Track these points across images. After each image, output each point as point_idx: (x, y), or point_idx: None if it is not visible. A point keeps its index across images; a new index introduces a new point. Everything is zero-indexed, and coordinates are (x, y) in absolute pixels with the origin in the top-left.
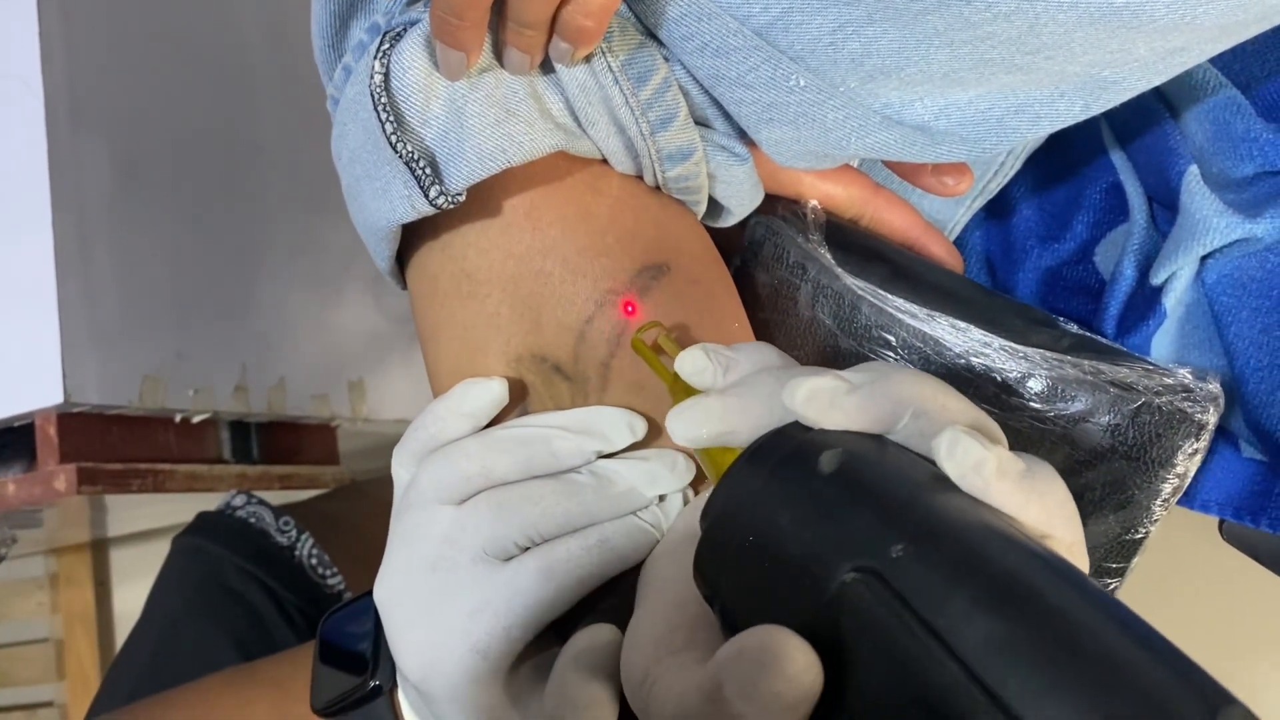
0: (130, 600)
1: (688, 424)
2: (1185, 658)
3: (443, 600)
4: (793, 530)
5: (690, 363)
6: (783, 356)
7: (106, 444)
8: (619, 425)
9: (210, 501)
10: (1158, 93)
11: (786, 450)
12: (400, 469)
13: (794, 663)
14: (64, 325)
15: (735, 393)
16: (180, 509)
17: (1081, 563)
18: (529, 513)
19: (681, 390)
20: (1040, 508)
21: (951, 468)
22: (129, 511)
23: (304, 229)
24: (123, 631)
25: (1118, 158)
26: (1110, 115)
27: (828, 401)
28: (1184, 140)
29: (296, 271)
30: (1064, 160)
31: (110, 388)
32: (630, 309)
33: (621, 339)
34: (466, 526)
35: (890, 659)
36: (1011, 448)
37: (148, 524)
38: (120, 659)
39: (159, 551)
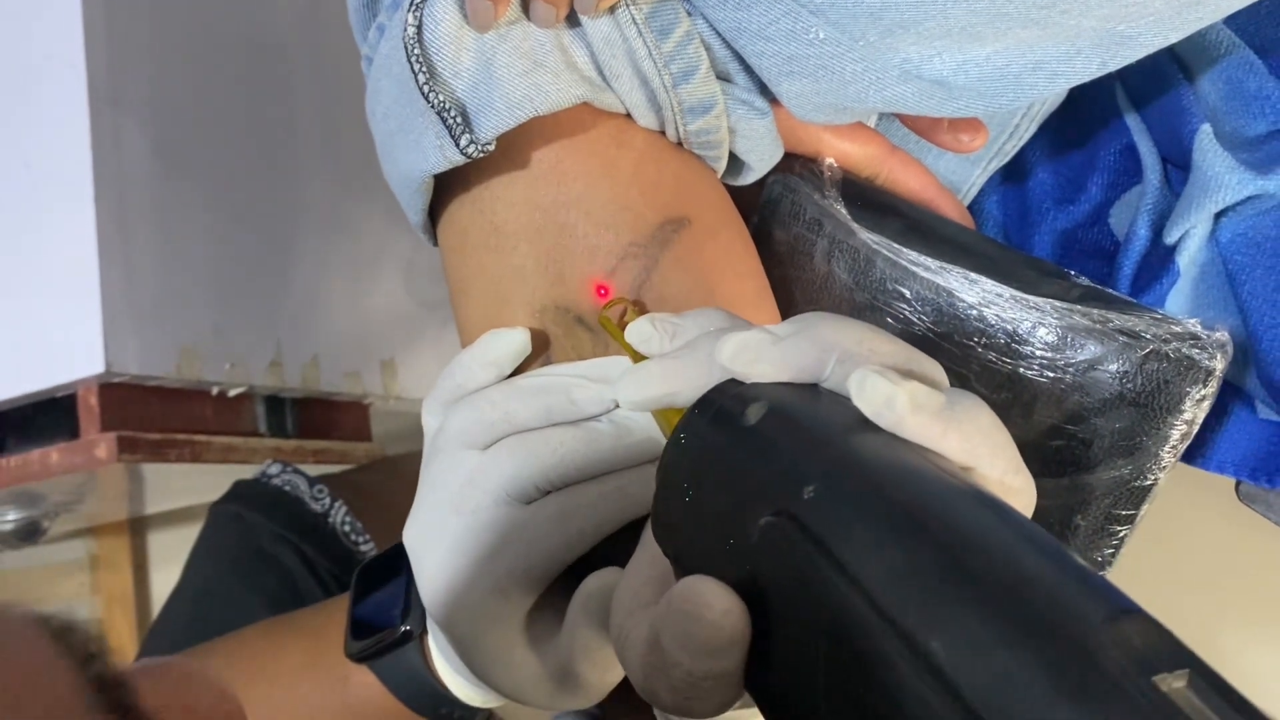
0: (168, 583)
1: (629, 389)
2: (1089, 571)
3: (466, 541)
4: (721, 482)
5: (637, 332)
6: (731, 319)
7: (146, 414)
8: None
9: (246, 473)
10: (1171, 53)
11: (717, 406)
12: (429, 417)
13: (712, 609)
14: (105, 298)
15: (675, 355)
16: (217, 484)
17: (1016, 490)
18: (549, 458)
19: (641, 357)
20: (960, 437)
21: (864, 405)
22: (165, 485)
23: (339, 209)
24: None
25: (1131, 119)
26: (1124, 76)
27: (753, 355)
28: (1197, 100)
29: (331, 251)
30: (1078, 123)
31: (149, 359)
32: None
33: (643, 289)
34: (489, 470)
35: (804, 597)
36: (1021, 396)
37: (185, 500)
38: (157, 625)
39: (195, 536)
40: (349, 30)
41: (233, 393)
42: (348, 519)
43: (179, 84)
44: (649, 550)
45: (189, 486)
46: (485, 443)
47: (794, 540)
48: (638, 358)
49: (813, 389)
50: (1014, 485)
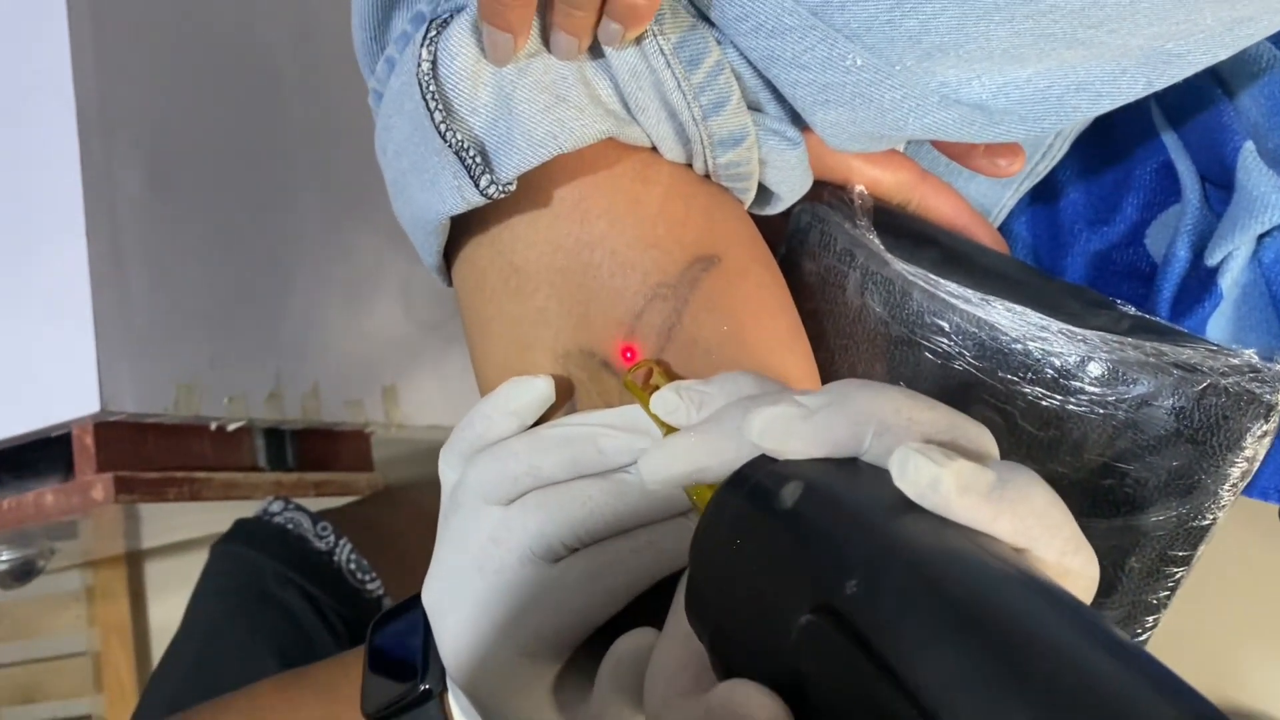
0: (166, 613)
1: (655, 467)
2: (1160, 669)
3: (490, 602)
4: (758, 571)
5: (663, 404)
6: (760, 383)
7: (143, 453)
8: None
9: (246, 509)
10: (1210, 69)
11: (750, 485)
12: (447, 470)
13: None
14: (99, 335)
15: (702, 429)
16: (214, 519)
17: (1075, 573)
18: (577, 513)
19: (669, 428)
20: (1013, 518)
21: (907, 488)
22: (163, 522)
23: (334, 235)
24: (159, 644)
25: (1168, 137)
26: (1159, 93)
27: (784, 431)
28: (1238, 117)
29: (327, 278)
30: (1112, 141)
31: (146, 396)
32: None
33: (673, 333)
34: (514, 528)
35: (850, 700)
36: (1069, 434)
37: (182, 535)
38: (161, 668)
39: (194, 563)
40: (341, 55)
41: (232, 427)
42: (353, 556)
43: (170, 113)
44: (683, 625)
45: (185, 523)
46: (509, 497)
47: (837, 641)
48: (665, 426)
49: (851, 464)
50: (1072, 567)
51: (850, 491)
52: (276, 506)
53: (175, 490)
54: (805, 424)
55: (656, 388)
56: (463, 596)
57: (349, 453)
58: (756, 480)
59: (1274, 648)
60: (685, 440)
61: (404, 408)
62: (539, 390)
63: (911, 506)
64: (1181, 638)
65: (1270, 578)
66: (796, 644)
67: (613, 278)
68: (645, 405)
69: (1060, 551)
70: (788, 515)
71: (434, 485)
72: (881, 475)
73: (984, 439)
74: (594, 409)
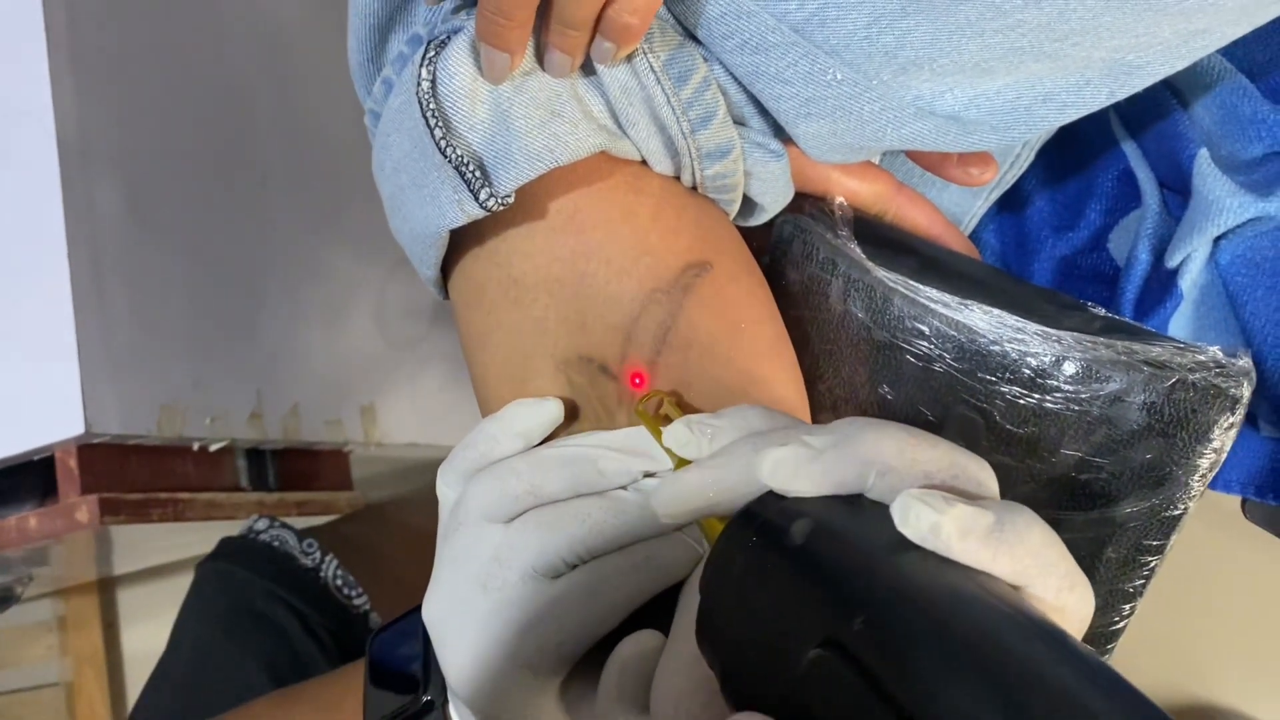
0: (139, 641)
1: (666, 504)
2: (1160, 714)
3: (493, 619)
4: (765, 607)
5: (675, 438)
6: (770, 416)
7: (126, 475)
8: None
9: (224, 530)
10: (1165, 81)
11: (760, 522)
12: (446, 488)
13: None
14: (82, 357)
15: (713, 464)
16: (186, 543)
17: (1070, 610)
18: (576, 531)
19: (681, 460)
20: (1011, 559)
21: (910, 533)
22: (136, 547)
23: (310, 257)
24: (132, 672)
25: (1128, 146)
26: (1119, 104)
27: (792, 471)
28: (1193, 125)
29: (305, 299)
30: (1075, 150)
31: (130, 417)
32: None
33: (669, 336)
34: (515, 545)
35: None
36: (1047, 431)
37: (155, 560)
38: (150, 690)
39: (166, 590)
40: (316, 80)
41: (214, 447)
42: (339, 572)
43: (148, 139)
44: (690, 646)
45: (158, 547)
46: (509, 516)
47: (844, 675)
48: (677, 459)
49: (856, 501)
50: (1068, 604)
51: (857, 530)
52: (262, 524)
53: (159, 511)
54: (813, 465)
55: (667, 417)
56: (465, 613)
57: (329, 472)
58: (766, 517)
59: (1240, 645)
60: (698, 475)
61: (381, 426)
62: (549, 413)
63: (915, 545)
64: (1151, 639)
65: (1235, 579)
66: (805, 676)
67: (608, 284)
68: (656, 434)
69: (1056, 589)
70: (797, 551)
71: (413, 502)
72: (884, 515)
73: (984, 475)
74: (593, 413)
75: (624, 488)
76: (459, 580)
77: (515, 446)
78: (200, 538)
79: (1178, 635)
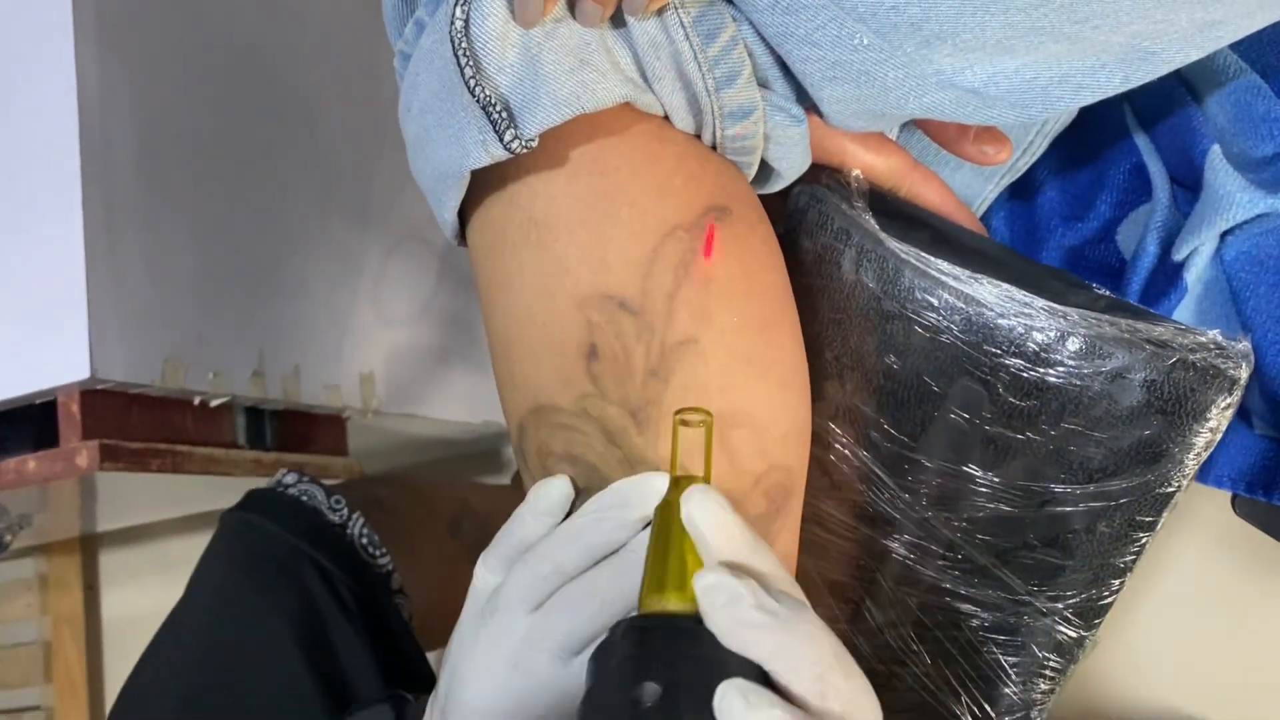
0: (118, 605)
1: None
2: None
3: (525, 697)
4: None
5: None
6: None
7: (127, 423)
8: (648, 491)
9: (223, 485)
10: (1180, 77)
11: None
12: (488, 573)
13: None
14: (92, 304)
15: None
16: (171, 500)
17: None
18: (590, 608)
19: (684, 482)
20: None
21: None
22: (120, 503)
23: (320, 224)
24: (111, 636)
25: (1140, 140)
26: (1133, 98)
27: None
28: (1206, 122)
29: (312, 263)
30: (1087, 142)
31: (134, 367)
32: (706, 250)
33: (690, 270)
34: (545, 630)
35: None
36: (1049, 404)
37: (137, 518)
38: (163, 634)
39: (148, 555)
40: (334, 43)
41: (215, 403)
42: (365, 530)
43: (168, 91)
44: None
45: (142, 503)
46: (539, 599)
47: None
48: (681, 478)
49: None
50: None
51: None
52: (290, 478)
53: (158, 461)
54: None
55: (687, 424)
56: (501, 693)
57: (325, 437)
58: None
59: (1222, 655)
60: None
61: (380, 395)
62: (564, 490)
63: None
64: (1134, 649)
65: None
66: None
67: (630, 222)
68: (675, 448)
69: None
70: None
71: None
72: None
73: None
74: (611, 353)
75: (627, 544)
76: (495, 661)
77: (543, 526)
78: (183, 498)
79: (1160, 646)
